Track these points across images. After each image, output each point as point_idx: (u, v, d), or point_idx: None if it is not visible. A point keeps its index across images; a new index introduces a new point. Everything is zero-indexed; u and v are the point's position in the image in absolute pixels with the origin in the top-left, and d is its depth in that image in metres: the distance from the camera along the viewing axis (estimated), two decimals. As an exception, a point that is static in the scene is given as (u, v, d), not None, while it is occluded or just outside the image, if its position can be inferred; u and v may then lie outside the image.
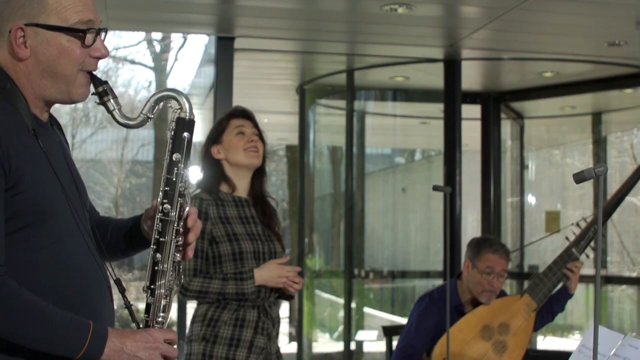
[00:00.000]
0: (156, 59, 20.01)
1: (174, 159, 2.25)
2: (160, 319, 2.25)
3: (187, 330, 3.83)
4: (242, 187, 3.91)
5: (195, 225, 2.33)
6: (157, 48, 19.97)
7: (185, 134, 2.26)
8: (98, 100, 2.23)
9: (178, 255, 2.28)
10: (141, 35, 19.03)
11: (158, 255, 2.25)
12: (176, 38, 19.60)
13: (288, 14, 6.08)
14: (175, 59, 29.64)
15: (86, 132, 21.57)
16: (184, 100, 2.26)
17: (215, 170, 3.87)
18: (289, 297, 3.85)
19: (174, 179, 2.25)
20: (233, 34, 6.56)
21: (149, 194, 20.39)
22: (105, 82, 2.23)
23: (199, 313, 3.74)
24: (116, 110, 2.22)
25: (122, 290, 2.28)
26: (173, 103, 2.29)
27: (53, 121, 2.34)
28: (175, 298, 2.30)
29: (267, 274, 3.73)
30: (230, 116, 3.93)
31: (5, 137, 2.04)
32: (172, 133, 2.27)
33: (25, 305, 2.00)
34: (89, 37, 2.20)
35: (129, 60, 20.02)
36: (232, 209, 3.81)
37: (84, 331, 2.05)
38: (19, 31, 2.15)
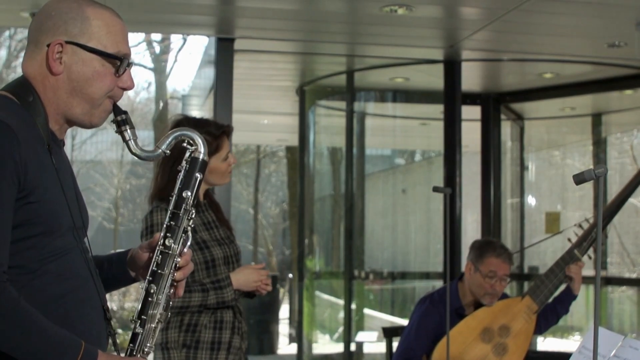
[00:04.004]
0: (156, 60, 20.01)
1: (183, 195, 2.30)
2: (146, 349, 2.26)
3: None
4: (201, 194, 3.86)
5: (187, 266, 2.35)
6: (157, 49, 19.97)
7: (198, 175, 2.31)
8: (116, 129, 2.27)
9: (171, 290, 2.31)
10: (141, 36, 19.03)
11: (153, 286, 2.27)
12: (176, 39, 19.61)
13: (288, 15, 6.08)
14: (175, 60, 29.75)
15: (86, 133, 21.56)
16: (200, 141, 2.32)
17: None
18: (253, 296, 3.85)
19: (181, 215, 2.29)
20: (233, 35, 6.57)
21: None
22: (125, 112, 2.27)
23: (175, 319, 3.66)
24: (132, 140, 2.26)
25: (109, 318, 2.29)
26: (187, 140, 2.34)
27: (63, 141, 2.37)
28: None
29: (244, 278, 3.73)
30: (223, 135, 3.81)
31: (25, 148, 2.07)
32: (185, 171, 2.32)
33: (22, 316, 2.00)
34: (122, 67, 2.25)
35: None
36: (196, 216, 3.74)
37: (76, 350, 2.05)
38: (58, 46, 2.19)
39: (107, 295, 2.35)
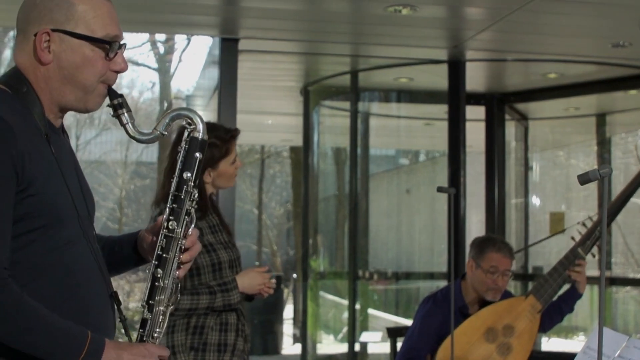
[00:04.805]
0: (160, 60, 20.02)
1: (184, 177, 2.26)
2: (155, 335, 2.25)
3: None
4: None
5: (194, 247, 2.33)
6: (161, 49, 19.98)
7: (197, 154, 2.26)
8: (112, 113, 2.23)
9: (178, 272, 2.28)
10: (145, 36, 19.04)
11: (159, 270, 2.25)
12: (180, 39, 19.62)
13: (292, 15, 6.08)
14: (179, 61, 29.72)
15: (90, 133, 21.60)
16: (198, 119, 2.27)
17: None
18: (252, 299, 3.89)
19: (182, 197, 2.26)
20: (237, 36, 6.57)
21: (153, 195, 20.30)
22: (121, 95, 2.24)
23: (180, 322, 3.69)
24: (129, 124, 2.23)
25: (118, 304, 2.28)
26: (187, 120, 2.29)
27: (63, 128, 2.34)
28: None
29: (249, 282, 3.78)
30: (232, 139, 3.87)
31: (22, 140, 2.05)
32: (184, 151, 2.27)
33: (25, 311, 2.00)
34: (112, 51, 2.21)
35: (132, 61, 20.03)
36: (202, 220, 3.78)
37: (82, 341, 2.04)
38: (45, 35, 2.16)
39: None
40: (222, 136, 3.81)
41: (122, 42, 2.25)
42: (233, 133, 3.88)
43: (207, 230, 3.77)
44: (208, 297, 3.64)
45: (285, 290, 15.43)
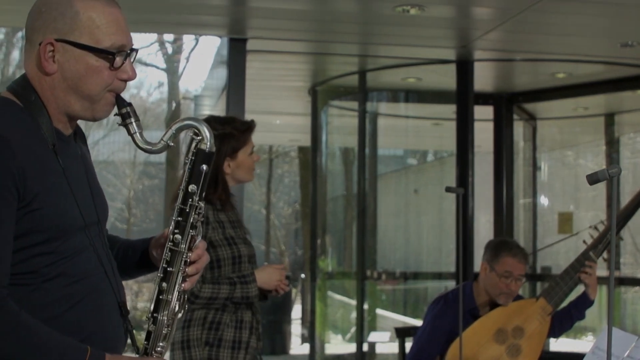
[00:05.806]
0: (168, 60, 20.06)
1: (189, 190, 2.22)
2: (159, 349, 2.23)
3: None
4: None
5: (201, 260, 2.31)
6: (169, 49, 20.02)
7: (204, 167, 2.22)
8: (120, 122, 2.19)
9: (184, 284, 2.26)
10: (153, 36, 19.07)
11: (164, 284, 2.23)
12: (188, 40, 19.66)
13: (300, 15, 6.08)
14: (187, 61, 29.78)
15: (99, 134, 21.64)
16: (205, 130, 2.22)
17: (218, 182, 3.84)
18: (265, 298, 3.92)
19: (188, 210, 2.23)
20: (245, 36, 6.57)
21: (162, 195, 20.44)
22: (129, 104, 2.19)
23: (197, 317, 3.72)
24: (137, 133, 2.19)
25: (126, 314, 2.26)
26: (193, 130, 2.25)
27: (78, 132, 2.32)
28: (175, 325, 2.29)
29: (268, 277, 3.83)
30: (249, 130, 3.94)
31: (22, 155, 2.02)
32: (191, 164, 2.24)
33: (23, 329, 1.98)
34: (118, 60, 2.16)
35: (141, 62, 20.08)
36: (223, 213, 3.84)
37: (81, 356, 2.03)
38: (49, 46, 2.11)
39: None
40: (238, 127, 3.91)
41: (131, 49, 2.20)
42: (250, 125, 3.96)
43: (228, 224, 3.82)
44: (228, 287, 3.69)
45: (294, 290, 15.43)
